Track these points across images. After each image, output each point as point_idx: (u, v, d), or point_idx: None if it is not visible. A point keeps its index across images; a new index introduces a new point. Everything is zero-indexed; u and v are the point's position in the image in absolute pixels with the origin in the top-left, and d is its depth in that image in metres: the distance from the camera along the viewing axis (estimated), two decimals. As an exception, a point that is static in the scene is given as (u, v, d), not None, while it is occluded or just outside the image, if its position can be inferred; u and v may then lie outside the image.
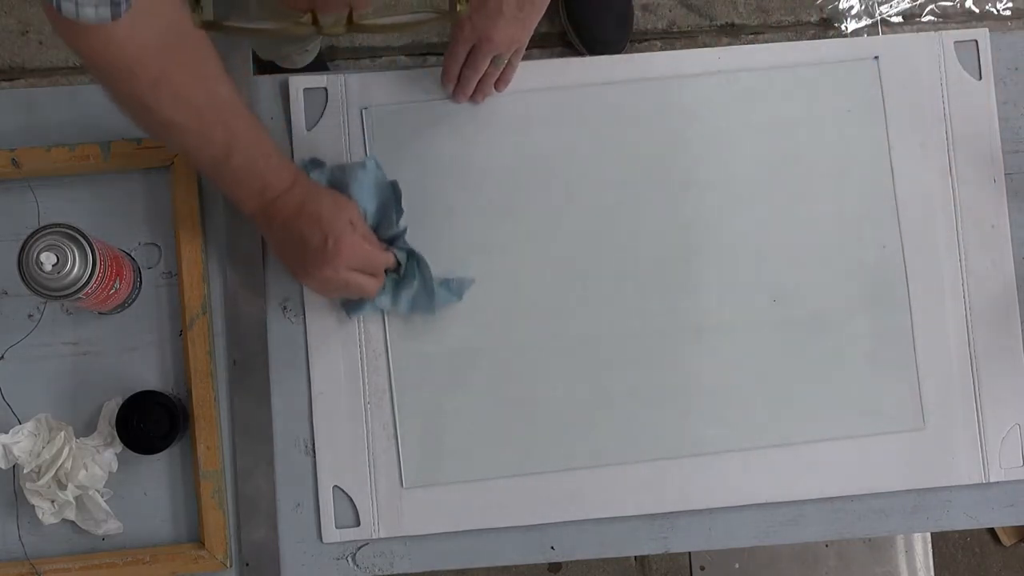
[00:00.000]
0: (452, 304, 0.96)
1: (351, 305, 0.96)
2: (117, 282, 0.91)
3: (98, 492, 0.94)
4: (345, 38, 1.64)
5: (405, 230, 0.95)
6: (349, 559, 0.96)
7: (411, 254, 0.95)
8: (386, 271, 0.94)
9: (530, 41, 0.96)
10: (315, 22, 0.64)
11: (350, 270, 0.90)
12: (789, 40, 1.58)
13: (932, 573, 1.59)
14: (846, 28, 1.81)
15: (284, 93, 1.00)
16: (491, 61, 0.94)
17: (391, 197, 0.95)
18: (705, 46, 1.79)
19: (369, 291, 0.92)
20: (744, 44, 1.75)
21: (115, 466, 0.95)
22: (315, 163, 0.96)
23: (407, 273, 0.95)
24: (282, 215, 0.89)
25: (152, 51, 0.79)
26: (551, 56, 1.73)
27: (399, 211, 0.95)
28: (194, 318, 0.96)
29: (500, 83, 0.99)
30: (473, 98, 0.99)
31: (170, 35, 0.79)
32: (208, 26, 0.64)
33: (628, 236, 0.99)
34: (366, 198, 0.94)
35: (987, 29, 1.03)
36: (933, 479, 0.98)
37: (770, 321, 0.98)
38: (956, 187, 1.01)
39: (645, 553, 0.99)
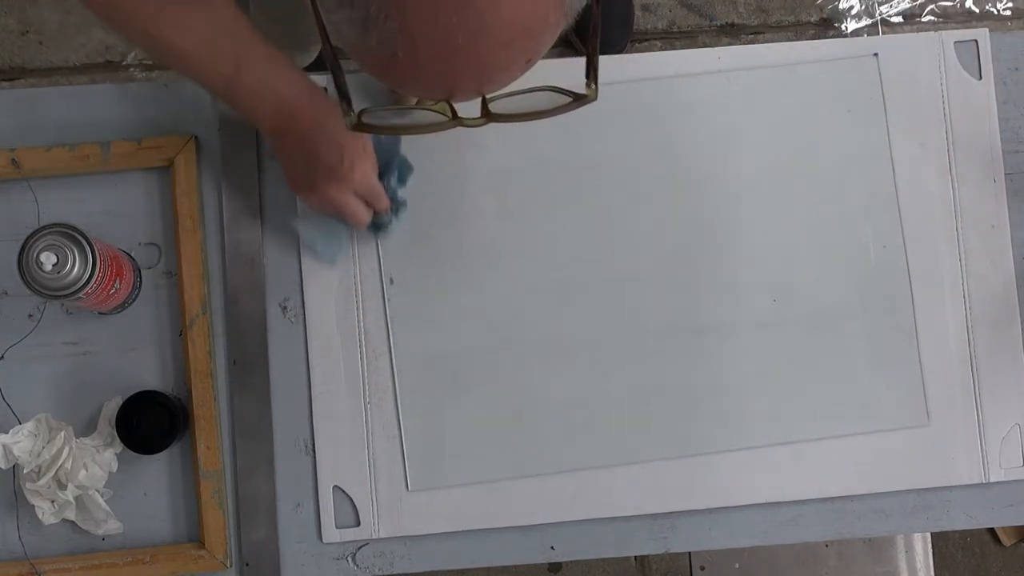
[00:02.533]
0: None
1: (328, 238, 0.97)
2: (117, 282, 0.91)
3: (98, 492, 0.94)
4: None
5: (403, 202, 0.96)
6: (349, 559, 0.96)
7: (400, 207, 0.96)
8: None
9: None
10: (454, 115, 0.63)
11: (355, 194, 0.90)
12: (789, 40, 1.58)
13: (932, 573, 1.59)
14: (846, 28, 1.81)
15: (284, 93, 1.00)
16: None
17: (397, 160, 0.95)
18: (705, 46, 1.79)
19: (361, 221, 0.92)
20: (744, 44, 1.76)
21: (115, 466, 0.95)
22: None
23: (391, 220, 0.96)
24: (299, 128, 0.88)
25: None
26: (551, 56, 1.73)
27: (402, 176, 0.96)
28: (194, 318, 0.96)
29: None
30: None
31: None
32: (357, 128, 0.64)
33: (628, 236, 0.99)
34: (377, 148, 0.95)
35: (987, 29, 1.03)
36: (933, 479, 0.98)
37: (770, 321, 0.98)
38: (956, 187, 1.01)
39: (645, 553, 0.99)
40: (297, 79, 0.88)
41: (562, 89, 0.65)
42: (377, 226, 0.96)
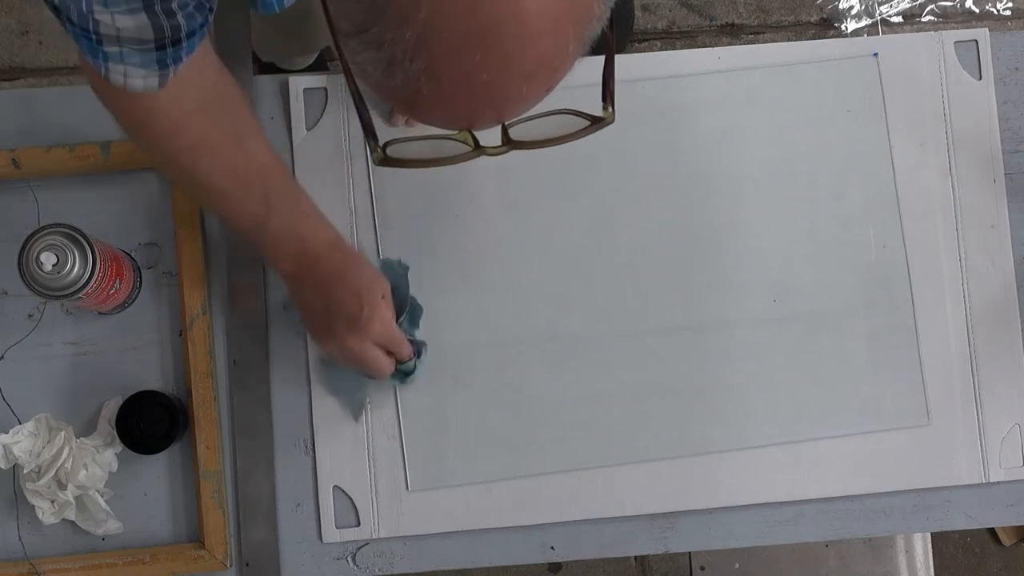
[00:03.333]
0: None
1: (352, 391, 0.96)
2: (117, 282, 0.91)
3: (98, 492, 0.94)
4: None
5: (422, 344, 0.95)
6: (349, 559, 0.96)
7: (422, 349, 0.95)
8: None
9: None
10: (476, 145, 0.63)
11: (375, 344, 0.89)
12: (789, 40, 1.58)
13: (932, 573, 1.59)
14: (846, 28, 1.81)
15: (284, 93, 1.00)
16: None
17: (407, 303, 0.95)
18: (705, 46, 1.79)
19: (383, 371, 0.91)
20: (744, 44, 1.76)
21: (115, 466, 0.95)
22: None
23: (415, 367, 0.95)
24: (320, 279, 0.88)
25: (193, 115, 0.79)
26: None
27: (414, 318, 0.95)
28: (194, 318, 0.96)
29: None
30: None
31: (211, 97, 0.80)
32: (383, 163, 0.64)
33: (628, 236, 0.99)
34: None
35: (987, 29, 1.03)
36: (933, 479, 0.98)
37: (771, 321, 0.98)
38: (956, 187, 1.01)
39: (645, 553, 0.99)
40: (321, 226, 0.88)
41: (579, 112, 0.66)
42: (403, 374, 0.95)
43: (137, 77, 0.73)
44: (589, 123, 0.66)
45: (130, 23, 0.68)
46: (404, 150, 0.65)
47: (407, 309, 0.95)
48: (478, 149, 0.63)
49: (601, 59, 0.65)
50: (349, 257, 0.89)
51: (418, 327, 0.96)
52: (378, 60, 0.56)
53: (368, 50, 0.56)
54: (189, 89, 0.77)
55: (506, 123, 0.63)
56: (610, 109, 0.65)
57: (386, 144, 0.64)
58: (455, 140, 0.63)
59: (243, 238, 0.90)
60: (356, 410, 0.96)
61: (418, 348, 0.95)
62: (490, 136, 0.63)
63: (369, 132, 0.63)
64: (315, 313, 0.89)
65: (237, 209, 0.86)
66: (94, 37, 0.69)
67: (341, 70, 0.61)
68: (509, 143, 0.64)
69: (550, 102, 0.62)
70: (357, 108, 0.63)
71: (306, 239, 0.87)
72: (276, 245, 0.87)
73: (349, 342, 0.88)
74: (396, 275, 0.95)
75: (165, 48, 0.71)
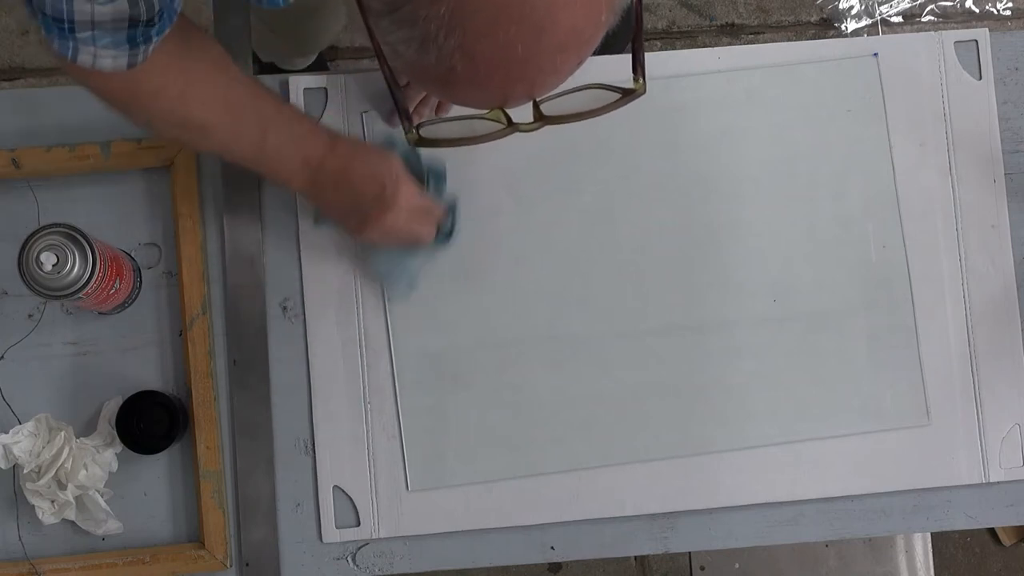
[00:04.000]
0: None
1: (400, 269, 0.96)
2: (117, 282, 0.91)
3: (98, 492, 0.94)
4: (345, 37, 1.64)
5: (454, 201, 0.96)
6: (349, 559, 0.96)
7: (455, 204, 0.96)
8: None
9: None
10: (509, 122, 0.63)
11: (409, 214, 0.90)
12: (789, 40, 1.58)
13: (932, 573, 1.59)
14: (846, 28, 1.81)
15: (284, 93, 0.99)
16: None
17: (425, 171, 0.96)
18: (705, 46, 1.79)
19: (425, 237, 0.93)
20: (744, 44, 1.76)
21: (115, 466, 0.95)
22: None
23: (453, 222, 0.96)
24: (331, 178, 0.88)
25: (173, 69, 0.79)
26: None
27: (439, 183, 0.96)
28: (194, 318, 0.96)
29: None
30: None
31: (183, 45, 0.79)
32: (418, 143, 0.65)
33: (628, 236, 0.99)
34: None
35: (987, 29, 1.03)
36: (933, 479, 0.98)
37: (771, 320, 0.98)
38: (956, 187, 1.01)
39: (645, 553, 0.99)
40: (316, 129, 0.89)
41: (609, 85, 0.66)
42: (444, 235, 0.96)
43: (107, 57, 0.72)
44: (620, 95, 0.65)
45: (107, 10, 0.68)
46: (437, 131, 0.65)
47: (427, 174, 0.95)
48: (511, 126, 0.63)
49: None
50: (351, 146, 0.90)
51: (444, 186, 0.96)
52: (411, 38, 0.56)
53: (401, 28, 0.56)
54: (163, 48, 0.77)
55: (537, 99, 0.62)
56: (641, 80, 0.65)
57: (418, 125, 0.64)
58: (487, 119, 0.63)
59: (247, 166, 0.90)
60: (411, 283, 0.97)
61: (451, 204, 0.96)
62: (521, 114, 0.63)
63: (403, 113, 0.63)
64: (344, 210, 0.91)
65: (235, 138, 0.86)
66: (67, 26, 0.69)
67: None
68: (542, 119, 0.63)
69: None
70: (391, 90, 0.62)
71: (306, 144, 0.87)
72: (280, 160, 0.87)
73: (386, 220, 0.89)
74: (402, 149, 0.95)
75: (137, 26, 0.71)
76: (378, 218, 0.89)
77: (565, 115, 0.64)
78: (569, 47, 0.57)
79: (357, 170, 0.89)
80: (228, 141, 0.86)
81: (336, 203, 0.91)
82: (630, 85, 0.65)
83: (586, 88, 0.65)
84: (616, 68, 0.69)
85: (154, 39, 0.73)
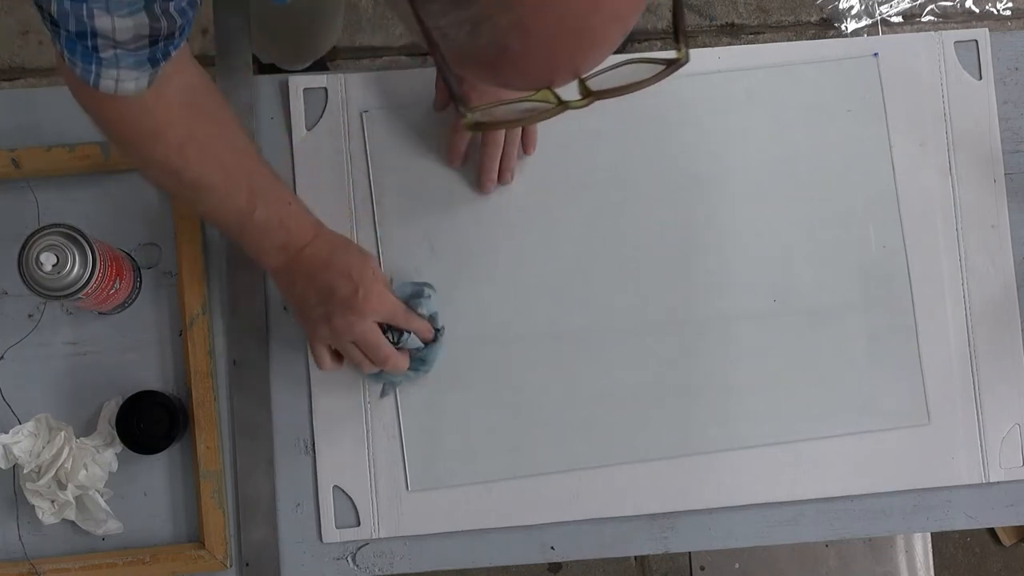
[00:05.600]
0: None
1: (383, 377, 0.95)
2: (117, 282, 0.91)
3: (98, 492, 0.94)
4: (346, 37, 1.64)
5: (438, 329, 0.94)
6: (349, 559, 0.96)
7: (439, 333, 0.93)
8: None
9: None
10: (559, 101, 0.62)
11: (374, 322, 0.88)
12: (789, 40, 1.58)
13: (932, 573, 1.59)
14: (846, 28, 1.81)
15: (284, 93, 1.00)
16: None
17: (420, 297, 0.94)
18: (705, 46, 1.78)
19: (386, 353, 0.89)
20: (744, 44, 1.76)
21: (115, 466, 0.95)
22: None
23: (436, 348, 0.93)
24: (307, 267, 0.87)
25: (177, 112, 0.79)
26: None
27: (422, 298, 0.93)
28: (194, 318, 0.96)
29: (528, 146, 0.98)
30: (502, 179, 0.97)
31: (190, 93, 0.80)
32: (474, 128, 0.64)
33: (628, 236, 0.99)
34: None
35: (987, 29, 1.03)
36: (933, 479, 0.98)
37: (770, 320, 0.98)
38: (956, 187, 1.01)
39: (645, 553, 0.99)
40: (303, 213, 0.88)
41: (651, 58, 0.65)
42: (420, 361, 0.93)
43: (129, 80, 0.73)
44: (664, 67, 0.64)
45: (129, 24, 0.68)
46: (492, 114, 0.64)
47: (409, 294, 0.93)
48: (562, 104, 0.62)
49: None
50: (333, 240, 0.89)
51: (428, 306, 0.93)
52: (465, 20, 0.55)
53: (455, 10, 0.55)
54: (173, 86, 0.77)
55: (582, 76, 0.62)
56: (684, 49, 0.63)
57: (473, 108, 0.64)
58: (535, 100, 0.62)
59: (228, 234, 0.89)
60: (384, 392, 0.95)
61: (435, 329, 0.93)
62: (567, 94, 0.63)
63: (459, 98, 0.63)
64: (309, 304, 0.88)
65: (224, 203, 0.85)
66: (90, 43, 0.69)
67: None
68: (590, 94, 0.63)
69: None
70: (445, 76, 0.61)
71: (291, 227, 0.87)
72: (262, 237, 0.87)
73: (348, 320, 0.87)
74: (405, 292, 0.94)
75: (157, 43, 0.71)
76: (342, 317, 0.87)
77: (613, 88, 0.64)
78: (623, 15, 0.57)
79: (334, 265, 0.87)
80: (217, 205, 0.85)
81: (304, 295, 0.88)
82: (672, 56, 0.64)
83: (628, 63, 0.65)
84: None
85: (172, 54, 0.74)
